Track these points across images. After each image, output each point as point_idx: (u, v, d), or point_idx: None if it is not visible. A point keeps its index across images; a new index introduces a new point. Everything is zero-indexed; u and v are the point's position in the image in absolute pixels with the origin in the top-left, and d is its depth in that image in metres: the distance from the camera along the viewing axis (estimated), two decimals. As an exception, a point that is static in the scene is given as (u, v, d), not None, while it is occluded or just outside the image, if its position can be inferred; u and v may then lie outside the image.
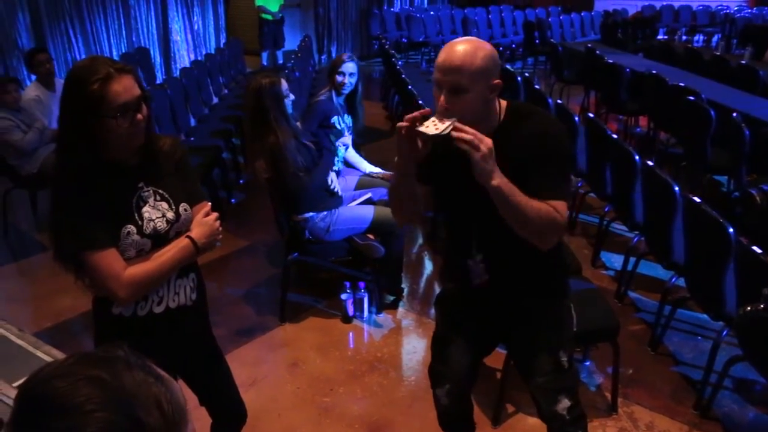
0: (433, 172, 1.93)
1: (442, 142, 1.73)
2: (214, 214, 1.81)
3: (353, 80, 4.00)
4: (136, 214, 1.69)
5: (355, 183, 4.02)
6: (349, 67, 3.96)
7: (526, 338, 2.05)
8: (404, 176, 1.86)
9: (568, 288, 2.10)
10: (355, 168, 4.23)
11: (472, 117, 1.74)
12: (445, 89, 1.72)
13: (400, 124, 1.72)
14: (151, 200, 1.73)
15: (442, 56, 1.73)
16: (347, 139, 4.11)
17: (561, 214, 1.77)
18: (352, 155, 4.26)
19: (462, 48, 1.71)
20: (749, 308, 1.78)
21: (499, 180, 1.67)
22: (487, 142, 1.64)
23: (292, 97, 3.42)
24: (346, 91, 4.02)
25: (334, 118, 4.03)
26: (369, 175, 4.15)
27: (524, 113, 1.85)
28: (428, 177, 1.95)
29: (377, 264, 3.66)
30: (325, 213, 3.41)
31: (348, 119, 4.12)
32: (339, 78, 3.97)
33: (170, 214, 1.75)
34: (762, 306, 1.74)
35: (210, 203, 1.85)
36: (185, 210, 1.79)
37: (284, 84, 3.35)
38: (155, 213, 1.72)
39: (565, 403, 1.98)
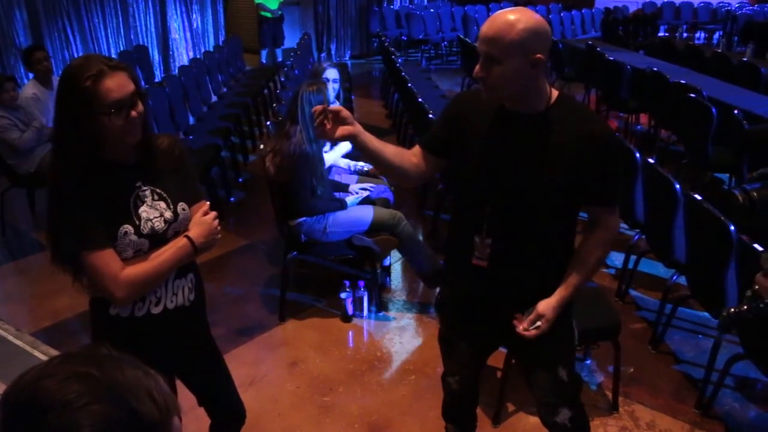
0: (465, 147, 1.87)
1: (480, 118, 1.82)
2: (213, 214, 1.79)
3: (337, 86, 4.15)
4: (133, 214, 1.67)
5: (354, 182, 4.01)
6: (332, 73, 4.12)
7: (525, 352, 2.02)
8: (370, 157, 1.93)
9: (572, 304, 1.97)
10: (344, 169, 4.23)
11: (506, 91, 1.73)
12: (481, 57, 1.70)
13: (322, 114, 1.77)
14: (148, 200, 1.71)
15: (484, 25, 1.70)
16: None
17: (614, 228, 1.89)
18: (335, 157, 4.23)
19: (503, 18, 1.66)
20: (732, 310, 1.77)
21: (560, 302, 1.85)
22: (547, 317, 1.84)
23: (337, 104, 3.50)
24: (333, 96, 4.14)
25: None
26: (365, 173, 4.14)
27: (573, 106, 1.81)
28: (442, 150, 1.94)
29: (405, 253, 3.68)
30: (318, 216, 3.42)
31: None
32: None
33: (168, 214, 1.73)
34: (745, 307, 1.73)
35: (208, 202, 1.83)
36: (183, 209, 1.77)
37: (330, 91, 3.44)
38: (153, 212, 1.70)
39: (565, 414, 1.96)
